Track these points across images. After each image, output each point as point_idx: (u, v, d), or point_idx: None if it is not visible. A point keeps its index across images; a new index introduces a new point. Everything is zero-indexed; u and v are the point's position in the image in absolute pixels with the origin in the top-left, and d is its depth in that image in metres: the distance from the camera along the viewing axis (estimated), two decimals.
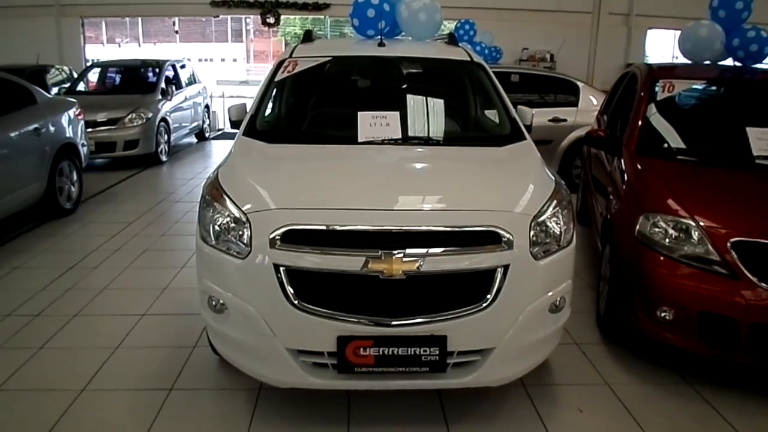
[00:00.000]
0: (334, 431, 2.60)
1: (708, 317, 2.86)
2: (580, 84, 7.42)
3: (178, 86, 9.98)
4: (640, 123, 3.92)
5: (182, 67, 10.55)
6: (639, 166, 3.60)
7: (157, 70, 9.76)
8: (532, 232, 2.45)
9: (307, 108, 3.68)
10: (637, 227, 3.17)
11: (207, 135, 11.45)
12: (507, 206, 2.51)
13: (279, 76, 3.55)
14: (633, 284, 3.14)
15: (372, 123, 3.15)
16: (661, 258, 3.01)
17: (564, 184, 2.83)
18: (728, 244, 2.85)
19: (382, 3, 4.21)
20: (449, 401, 2.79)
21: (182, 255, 4.78)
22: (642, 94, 4.12)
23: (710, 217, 2.99)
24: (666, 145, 3.84)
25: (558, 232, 2.56)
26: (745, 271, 2.79)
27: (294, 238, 2.33)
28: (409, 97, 3.50)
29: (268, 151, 3.05)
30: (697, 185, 3.36)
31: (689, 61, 4.71)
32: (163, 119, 9.01)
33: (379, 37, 3.96)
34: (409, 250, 2.28)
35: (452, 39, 4.26)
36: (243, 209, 2.46)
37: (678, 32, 4.78)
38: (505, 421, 2.69)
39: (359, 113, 3.19)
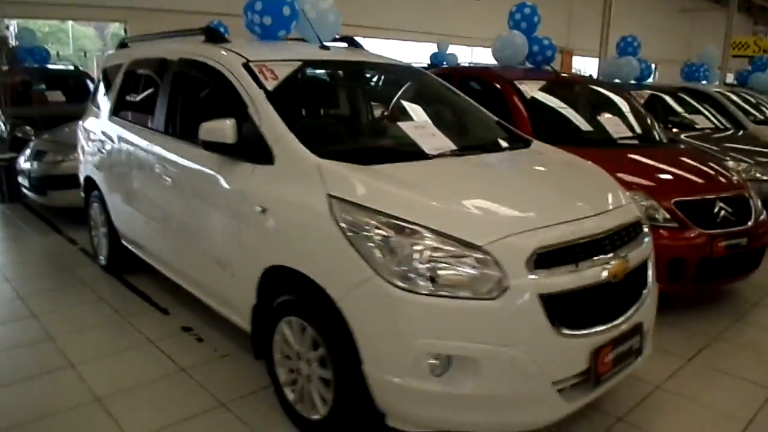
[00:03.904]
0: None
1: (673, 261, 3.74)
2: None
3: None
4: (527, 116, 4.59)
5: None
6: None
7: None
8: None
9: (331, 121, 3.05)
10: None
11: None
12: (623, 200, 2.78)
13: (269, 85, 2.89)
14: None
15: (420, 134, 2.93)
16: None
17: None
18: (673, 203, 3.77)
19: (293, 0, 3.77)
20: None
21: None
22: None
23: (649, 185, 3.87)
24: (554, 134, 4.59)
25: None
26: (689, 222, 3.76)
27: (542, 262, 2.14)
28: (413, 105, 3.32)
29: (384, 173, 2.48)
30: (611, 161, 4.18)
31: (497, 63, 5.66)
32: None
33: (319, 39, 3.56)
34: (625, 250, 2.39)
35: (354, 42, 4.09)
36: (469, 241, 2.09)
37: None
38: None
39: (402, 125, 2.94)
